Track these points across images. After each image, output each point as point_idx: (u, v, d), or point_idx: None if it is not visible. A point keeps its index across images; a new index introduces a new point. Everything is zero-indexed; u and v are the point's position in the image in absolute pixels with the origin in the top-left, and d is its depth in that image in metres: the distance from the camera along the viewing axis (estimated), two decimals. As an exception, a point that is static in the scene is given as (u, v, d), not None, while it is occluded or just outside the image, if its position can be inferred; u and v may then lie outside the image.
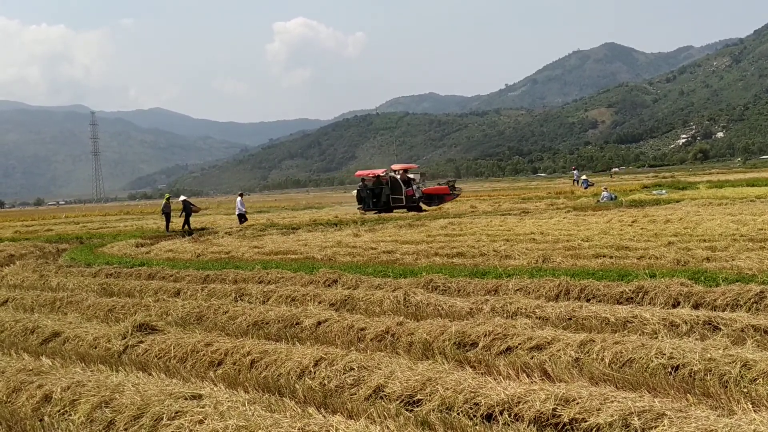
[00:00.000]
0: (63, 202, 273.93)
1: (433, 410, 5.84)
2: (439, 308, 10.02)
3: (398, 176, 43.23)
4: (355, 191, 46.55)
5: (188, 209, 33.42)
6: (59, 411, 6.46)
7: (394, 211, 41.11)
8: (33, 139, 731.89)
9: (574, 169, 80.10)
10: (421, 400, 6.04)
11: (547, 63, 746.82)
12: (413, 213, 38.81)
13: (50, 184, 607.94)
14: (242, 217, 35.31)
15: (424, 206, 42.80)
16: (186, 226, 32.97)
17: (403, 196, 42.35)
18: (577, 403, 5.36)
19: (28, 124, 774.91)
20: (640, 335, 7.51)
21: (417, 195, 43.19)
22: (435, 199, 44.54)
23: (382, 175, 44.03)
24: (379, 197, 42.86)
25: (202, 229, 32.95)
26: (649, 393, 5.73)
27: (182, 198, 34.45)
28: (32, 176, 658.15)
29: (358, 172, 48.82)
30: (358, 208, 44.37)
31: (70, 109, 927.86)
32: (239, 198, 37.35)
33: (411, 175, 44.44)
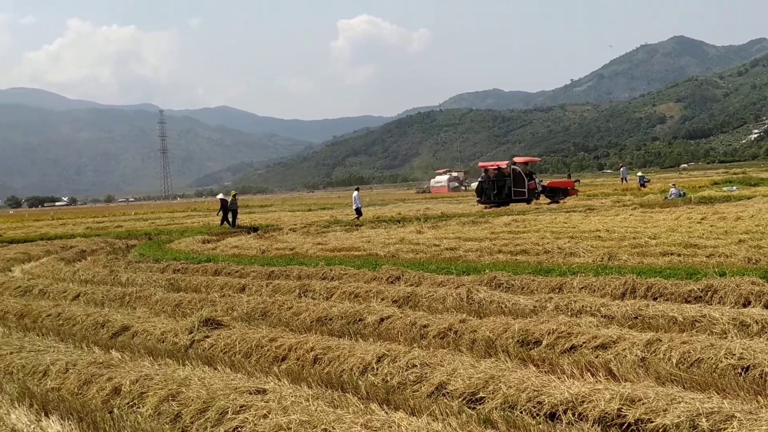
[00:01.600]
0: (132, 199, 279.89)
1: (496, 408, 5.80)
2: (502, 306, 9.95)
3: (520, 169, 43.18)
4: (476, 183, 46.59)
5: (225, 207, 34.78)
6: (128, 403, 6.57)
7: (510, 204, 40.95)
8: (104, 138, 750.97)
9: (621, 167, 78.38)
10: (484, 398, 6.00)
11: (613, 57, 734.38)
12: (477, 210, 38.65)
13: (120, 182, 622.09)
14: (359, 211, 35.83)
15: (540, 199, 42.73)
16: (225, 223, 34.43)
17: (525, 189, 42.28)
18: (643, 404, 5.26)
19: (100, 122, 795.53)
20: (708, 335, 7.34)
21: (539, 189, 43.14)
22: (560, 192, 44.33)
23: (504, 167, 44.04)
24: (502, 189, 42.88)
25: (267, 226, 33.43)
26: (718, 394, 5.60)
27: (220, 196, 35.96)
28: (103, 174, 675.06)
29: (481, 164, 49.09)
30: (477, 201, 44.43)
31: (139, 107, 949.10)
32: (356, 192, 37.73)
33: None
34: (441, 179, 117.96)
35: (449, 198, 70.83)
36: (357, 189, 39.32)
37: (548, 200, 42.51)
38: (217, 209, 36.14)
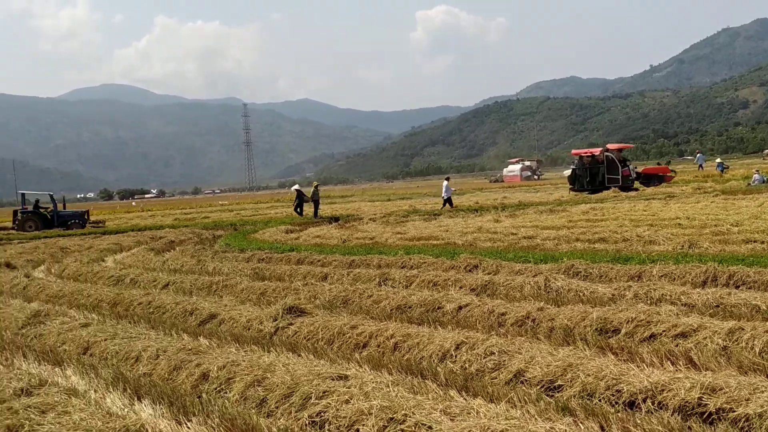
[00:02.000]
0: (218, 191, 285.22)
1: (574, 396, 5.82)
2: (580, 294, 9.91)
3: (614, 156, 42.64)
4: (569, 170, 46.28)
5: (301, 198, 36.01)
6: (216, 388, 6.75)
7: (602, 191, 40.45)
8: (190, 131, 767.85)
9: (698, 153, 75.87)
10: (562, 385, 6.03)
11: (694, 42, 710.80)
12: (555, 198, 38.24)
13: (206, 174, 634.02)
14: (448, 201, 35.67)
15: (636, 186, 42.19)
16: (298, 210, 35.85)
17: (619, 176, 41.79)
18: (725, 393, 5.21)
19: (186, 116, 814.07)
20: (793, 324, 7.20)
21: (633, 175, 42.55)
22: (654, 179, 43.67)
23: (597, 154, 43.57)
24: (595, 177, 42.47)
25: (343, 216, 33.84)
26: (803, 384, 5.52)
27: (295, 187, 37.03)
28: (190, 166, 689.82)
29: (574, 151, 48.74)
30: (570, 189, 44.01)
31: (223, 101, 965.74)
32: (446, 182, 37.10)
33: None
34: (514, 168, 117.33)
35: (526, 187, 70.20)
36: (447, 178, 38.83)
37: (643, 187, 41.73)
38: (295, 200, 37.03)
